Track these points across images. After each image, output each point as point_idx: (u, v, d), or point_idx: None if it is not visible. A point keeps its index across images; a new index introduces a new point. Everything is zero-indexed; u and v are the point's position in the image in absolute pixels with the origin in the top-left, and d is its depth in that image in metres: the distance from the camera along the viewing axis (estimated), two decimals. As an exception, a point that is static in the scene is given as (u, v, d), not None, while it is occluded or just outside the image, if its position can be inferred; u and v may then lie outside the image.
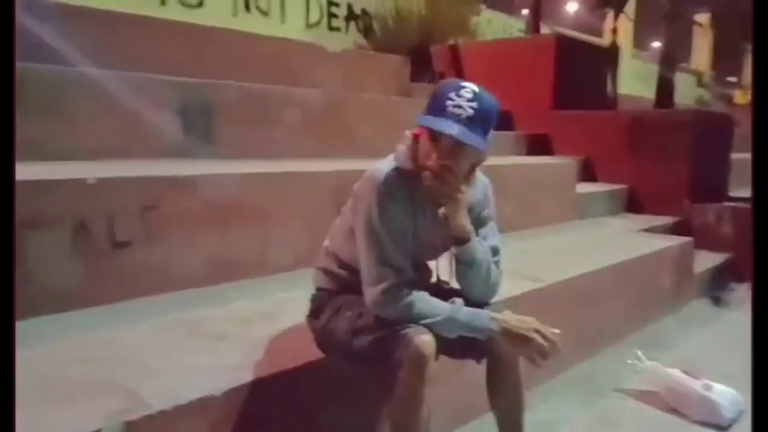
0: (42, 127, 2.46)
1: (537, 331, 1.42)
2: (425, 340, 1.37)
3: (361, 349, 1.48)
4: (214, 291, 2.13)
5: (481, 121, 1.38)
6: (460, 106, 1.37)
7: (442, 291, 1.63)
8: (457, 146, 1.39)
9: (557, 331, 1.44)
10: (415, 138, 1.50)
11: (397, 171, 1.48)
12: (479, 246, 1.54)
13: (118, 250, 1.97)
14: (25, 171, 2.00)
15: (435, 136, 1.40)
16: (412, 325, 1.41)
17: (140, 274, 2.02)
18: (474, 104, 1.38)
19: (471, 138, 1.36)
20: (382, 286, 1.43)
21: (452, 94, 1.38)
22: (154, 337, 1.71)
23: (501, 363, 1.59)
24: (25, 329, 1.66)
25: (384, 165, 1.50)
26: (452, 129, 1.35)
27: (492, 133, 1.44)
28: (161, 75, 2.94)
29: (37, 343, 1.61)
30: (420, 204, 1.50)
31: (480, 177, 1.61)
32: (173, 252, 2.10)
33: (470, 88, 1.40)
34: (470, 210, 1.55)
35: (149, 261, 2.04)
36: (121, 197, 2.00)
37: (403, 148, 1.52)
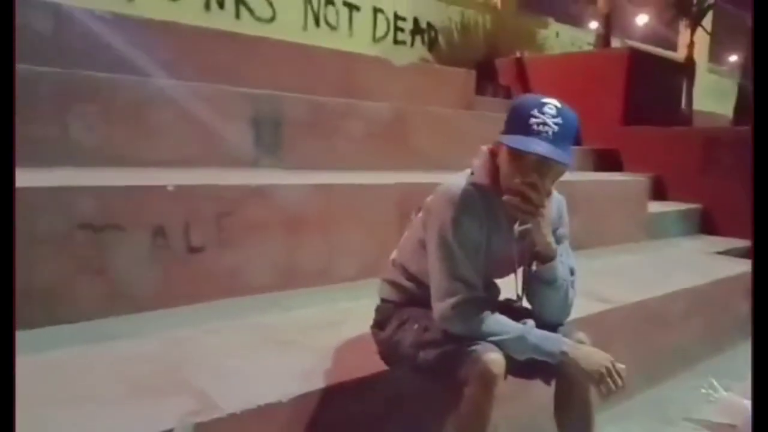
0: (123, 135, 2.62)
1: (606, 368, 1.38)
2: (494, 358, 1.35)
3: (427, 363, 1.48)
4: (281, 297, 2.19)
5: (565, 137, 1.36)
6: (545, 123, 1.34)
7: (511, 309, 1.60)
8: (543, 164, 1.36)
9: (624, 366, 1.39)
10: (492, 154, 1.49)
11: (473, 186, 1.47)
12: (560, 265, 1.51)
13: (193, 254, 2.06)
14: (108, 176, 2.13)
15: (518, 154, 1.37)
16: (481, 342, 1.39)
17: (212, 279, 2.10)
18: (558, 120, 1.35)
19: (559, 155, 1.34)
20: (452, 300, 1.42)
21: (535, 111, 1.36)
22: (224, 340, 1.77)
23: (571, 386, 1.54)
24: (102, 328, 1.79)
25: (459, 179, 1.49)
26: (542, 148, 1.33)
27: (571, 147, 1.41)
28: (234, 87, 3.06)
29: (113, 341, 1.70)
30: (495, 220, 1.48)
31: (555, 195, 1.57)
32: (244, 258, 2.17)
33: (553, 104, 1.37)
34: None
35: (221, 266, 2.12)
36: (198, 204, 2.08)
37: (479, 163, 1.51)
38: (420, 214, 1.59)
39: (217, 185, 2.18)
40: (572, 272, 1.57)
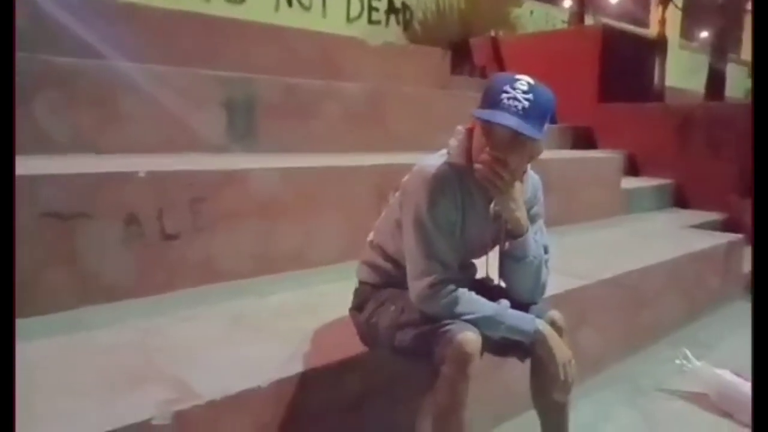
0: (91, 122, 2.55)
1: (569, 359, 1.46)
2: (469, 338, 1.36)
3: (404, 344, 1.49)
4: (258, 283, 2.17)
5: (537, 113, 1.36)
6: (515, 98, 1.35)
7: (487, 288, 1.61)
8: (512, 138, 1.37)
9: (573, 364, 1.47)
10: (469, 133, 1.49)
11: (449, 166, 1.47)
12: (533, 243, 1.52)
13: (167, 241, 2.02)
14: (75, 163, 2.08)
15: (488, 127, 1.39)
16: (456, 321, 1.40)
17: (188, 266, 2.07)
18: (530, 96, 1.35)
19: (526, 128, 1.34)
20: (428, 280, 1.43)
21: (507, 87, 1.36)
22: (201, 327, 1.75)
23: (546, 363, 1.56)
24: (76, 318, 1.76)
25: (434, 159, 1.49)
26: (508, 120, 1.33)
27: (547, 126, 1.41)
28: (205, 70, 3.00)
29: (88, 332, 1.67)
30: (471, 200, 1.49)
31: (531, 174, 1.59)
32: (220, 244, 2.15)
33: (525, 80, 1.38)
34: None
35: (196, 253, 2.09)
36: (171, 190, 2.05)
37: (455, 142, 1.51)
38: (396, 194, 1.58)
39: (191, 171, 2.15)
40: (546, 251, 1.58)
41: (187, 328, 1.74)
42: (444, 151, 1.53)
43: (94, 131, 2.54)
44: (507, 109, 1.34)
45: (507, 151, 1.39)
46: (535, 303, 1.56)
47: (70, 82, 2.50)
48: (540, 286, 1.57)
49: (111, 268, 1.92)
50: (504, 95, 1.35)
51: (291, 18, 5.21)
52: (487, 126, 1.39)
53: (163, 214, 2.03)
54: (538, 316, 1.51)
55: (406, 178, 1.54)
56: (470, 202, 1.49)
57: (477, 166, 1.41)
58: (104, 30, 3.15)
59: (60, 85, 2.46)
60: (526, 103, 1.34)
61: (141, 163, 2.14)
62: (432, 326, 1.42)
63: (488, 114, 1.36)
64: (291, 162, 2.54)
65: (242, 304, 1.96)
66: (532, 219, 1.57)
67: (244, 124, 3.03)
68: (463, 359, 1.35)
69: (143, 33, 3.28)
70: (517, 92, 1.35)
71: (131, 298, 1.91)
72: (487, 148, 1.39)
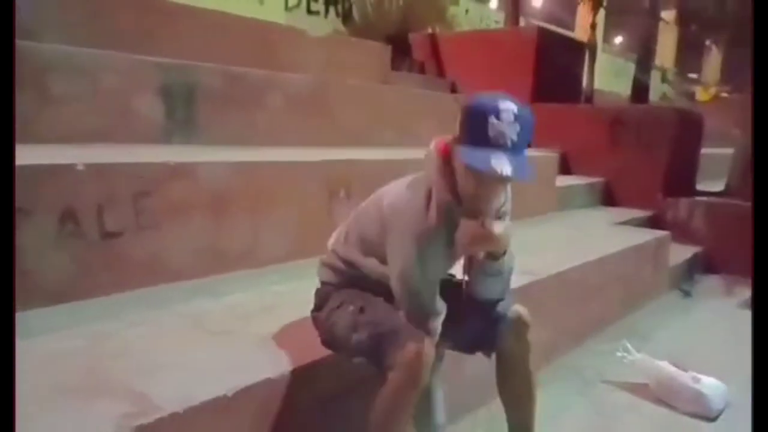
0: (20, 107, 2.32)
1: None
2: (420, 347, 1.33)
3: (359, 345, 1.44)
4: (208, 283, 2.07)
5: (524, 142, 1.30)
6: (503, 134, 1.26)
7: (451, 285, 1.61)
8: (504, 179, 1.32)
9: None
10: (444, 155, 1.41)
11: (439, 218, 1.39)
12: (507, 256, 1.50)
13: (108, 240, 1.88)
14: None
15: (479, 171, 1.30)
16: (412, 328, 1.38)
17: (132, 266, 1.93)
18: (517, 127, 1.27)
19: (522, 171, 1.27)
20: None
21: (492, 118, 1.27)
22: (153, 331, 1.64)
23: (511, 358, 1.58)
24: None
25: (420, 209, 1.40)
26: (503, 164, 1.24)
27: None
28: (142, 55, 2.82)
29: (26, 339, 1.51)
30: (455, 225, 1.41)
31: None
32: (166, 242, 2.02)
33: (510, 109, 1.28)
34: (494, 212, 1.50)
35: (141, 252, 1.96)
36: (112, 185, 1.90)
37: (434, 171, 1.42)
38: (369, 208, 1.55)
39: (133, 163, 2.00)
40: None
41: (138, 333, 1.62)
42: (423, 186, 1.43)
43: (22, 118, 2.32)
44: (496, 147, 1.26)
45: (497, 191, 1.38)
46: (502, 299, 1.57)
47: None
48: (507, 289, 1.58)
49: (46, 269, 1.75)
50: (490, 130, 1.27)
51: (226, 4, 4.99)
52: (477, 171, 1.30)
53: (103, 210, 1.88)
54: (504, 312, 1.52)
55: (389, 208, 1.45)
56: (454, 227, 1.42)
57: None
58: (33, 8, 2.90)
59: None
60: (515, 137, 1.27)
61: (78, 155, 1.98)
62: (389, 329, 1.39)
63: (479, 158, 1.27)
64: (237, 155, 2.43)
65: (195, 305, 1.85)
66: (503, 215, 1.56)
67: (183, 114, 2.87)
68: (412, 369, 1.32)
69: (74, 12, 3.04)
70: (504, 124, 1.27)
71: (74, 301, 1.76)
72: (476, 187, 1.34)
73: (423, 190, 1.42)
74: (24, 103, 2.34)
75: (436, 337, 1.42)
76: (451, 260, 1.54)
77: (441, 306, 1.46)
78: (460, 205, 1.40)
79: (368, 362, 1.45)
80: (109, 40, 2.96)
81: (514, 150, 1.27)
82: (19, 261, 1.68)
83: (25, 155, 1.89)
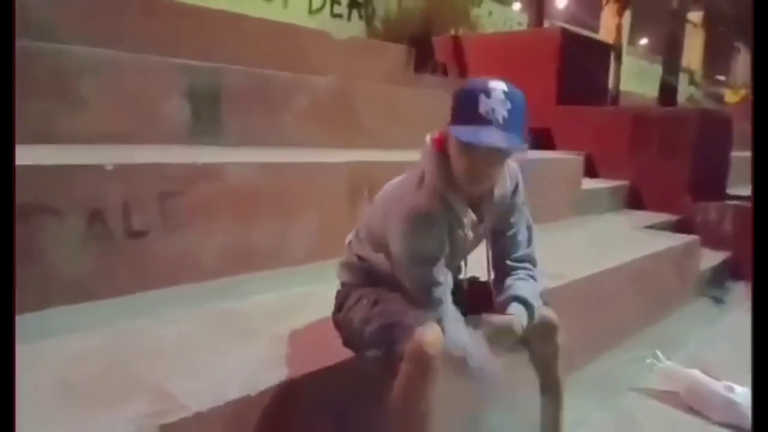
0: (48, 108, 2.38)
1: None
2: (431, 339, 1.31)
3: (372, 337, 1.43)
4: (234, 282, 2.07)
5: (517, 120, 1.29)
6: (494, 110, 1.27)
7: (475, 287, 1.59)
8: (497, 155, 1.32)
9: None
10: (438, 144, 1.41)
11: (429, 194, 1.39)
12: (532, 310, 1.49)
13: (135, 239, 1.90)
14: (35, 155, 1.91)
15: (470, 148, 1.30)
16: (426, 318, 1.35)
17: (159, 265, 1.95)
18: (508, 104, 1.28)
19: (515, 142, 1.28)
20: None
21: (482, 97, 1.28)
22: (179, 330, 1.64)
23: (539, 361, 1.57)
24: (38, 321, 1.61)
25: (412, 190, 1.41)
26: (495, 138, 1.26)
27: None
28: (169, 57, 2.85)
29: (52, 337, 1.53)
30: (455, 216, 1.42)
31: (510, 165, 1.52)
32: (192, 242, 2.03)
33: (500, 87, 1.29)
34: (502, 200, 1.50)
35: (168, 251, 1.97)
36: (139, 184, 1.92)
37: (428, 161, 1.42)
38: (374, 205, 1.54)
39: (160, 164, 2.02)
40: (533, 262, 1.57)
41: (165, 332, 1.62)
42: (418, 172, 1.43)
43: (51, 119, 2.37)
44: (488, 123, 1.26)
45: (492, 166, 1.35)
46: None
47: (25, 66, 2.30)
48: (536, 294, 1.54)
49: (73, 267, 1.77)
50: (482, 107, 1.27)
51: (252, 7, 5.04)
52: (469, 145, 1.30)
53: (130, 209, 1.90)
54: (532, 314, 1.49)
55: (383, 198, 1.48)
56: (455, 218, 1.43)
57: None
58: (62, 12, 2.95)
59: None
60: (506, 113, 1.27)
61: (105, 155, 2.00)
62: (399, 320, 1.37)
63: (470, 133, 1.28)
64: (262, 156, 2.44)
65: (221, 304, 1.86)
66: (518, 210, 1.56)
67: (209, 114, 2.90)
68: (422, 360, 1.30)
69: (102, 17, 3.09)
70: (495, 102, 1.27)
71: (99, 299, 1.77)
72: (470, 164, 1.33)
73: (416, 175, 1.44)
74: (52, 104, 2.39)
75: (440, 308, 1.39)
76: (459, 249, 1.51)
77: (443, 277, 1.43)
78: (455, 191, 1.39)
79: (381, 354, 1.43)
80: (135, 42, 3.00)
81: (506, 127, 1.27)
82: (47, 260, 1.71)
83: (54, 155, 1.93)
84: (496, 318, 1.45)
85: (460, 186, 1.39)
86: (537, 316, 1.51)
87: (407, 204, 1.38)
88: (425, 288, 1.40)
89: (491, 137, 1.26)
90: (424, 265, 1.40)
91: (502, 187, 1.48)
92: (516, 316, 1.45)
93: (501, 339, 1.45)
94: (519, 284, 1.50)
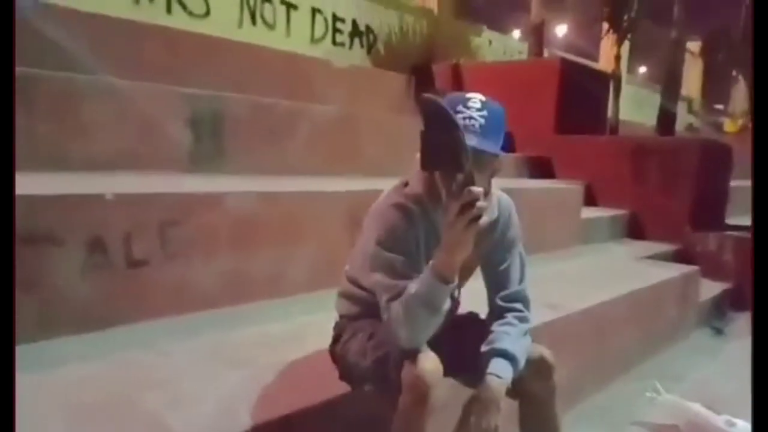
0: (50, 135, 2.40)
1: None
2: (429, 368, 1.29)
3: (367, 371, 1.41)
4: (233, 312, 2.07)
5: (493, 129, 1.34)
6: (471, 118, 1.32)
7: (473, 323, 1.59)
8: (474, 160, 1.29)
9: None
10: None
11: (407, 199, 1.40)
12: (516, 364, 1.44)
13: (135, 269, 1.90)
14: (36, 183, 1.93)
15: None
16: (420, 349, 1.32)
17: (158, 294, 1.95)
18: (484, 113, 1.33)
19: (489, 146, 1.31)
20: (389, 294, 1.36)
21: (460, 107, 1.33)
22: (178, 360, 1.64)
23: (535, 400, 1.54)
24: (37, 351, 1.60)
25: (392, 195, 1.43)
26: (470, 141, 1.27)
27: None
28: (171, 85, 2.89)
29: (51, 367, 1.53)
30: (434, 230, 1.40)
31: (501, 196, 1.55)
32: (192, 271, 2.03)
33: (476, 98, 1.35)
34: (492, 230, 1.49)
35: (167, 280, 1.97)
36: (140, 214, 1.93)
37: (417, 178, 1.42)
38: (363, 227, 1.54)
39: (161, 193, 2.04)
40: (526, 304, 1.55)
41: (163, 362, 1.62)
42: (402, 181, 1.46)
43: (53, 145, 2.39)
44: (465, 129, 1.28)
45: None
46: None
47: (27, 93, 2.34)
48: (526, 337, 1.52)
49: (73, 296, 1.77)
50: (459, 116, 1.31)
51: (254, 35, 5.12)
52: None
53: (131, 238, 1.91)
54: (517, 368, 1.44)
55: (367, 216, 1.49)
56: (434, 232, 1.40)
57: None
58: (62, 39, 3.00)
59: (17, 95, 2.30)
60: (483, 121, 1.32)
61: (106, 183, 2.02)
62: (393, 350, 1.34)
63: None
64: (264, 185, 2.46)
65: (221, 334, 1.86)
66: (510, 244, 1.55)
67: (211, 142, 2.93)
68: (420, 391, 1.28)
69: (105, 44, 3.14)
70: (472, 111, 1.33)
71: (100, 330, 1.77)
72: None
73: (400, 184, 1.46)
74: (56, 131, 2.41)
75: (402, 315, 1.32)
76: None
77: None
78: (437, 206, 1.38)
79: (377, 388, 1.41)
80: (139, 71, 3.05)
81: (483, 134, 1.31)
82: (47, 290, 1.71)
83: (57, 184, 1.94)
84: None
85: (442, 196, 1.36)
86: (532, 353, 1.48)
87: (387, 202, 1.42)
88: (391, 287, 1.35)
89: (467, 140, 1.26)
90: (396, 257, 1.37)
91: (489, 214, 1.47)
92: (492, 377, 1.39)
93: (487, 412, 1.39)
94: (502, 335, 1.47)
